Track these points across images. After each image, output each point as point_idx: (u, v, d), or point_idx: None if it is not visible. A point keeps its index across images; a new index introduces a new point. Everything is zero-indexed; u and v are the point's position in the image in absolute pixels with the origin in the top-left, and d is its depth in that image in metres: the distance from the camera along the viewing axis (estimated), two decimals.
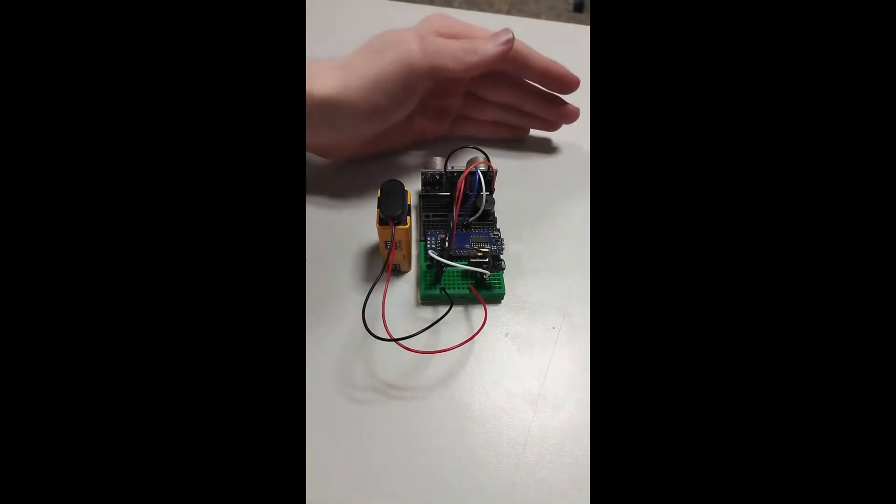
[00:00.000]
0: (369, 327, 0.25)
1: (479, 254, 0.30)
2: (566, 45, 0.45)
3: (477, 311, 0.30)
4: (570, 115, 0.36)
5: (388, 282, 0.28)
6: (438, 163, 0.33)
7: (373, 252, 0.32)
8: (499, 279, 0.30)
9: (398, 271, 0.31)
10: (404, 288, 0.31)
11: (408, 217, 0.28)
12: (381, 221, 0.27)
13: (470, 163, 0.31)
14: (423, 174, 0.33)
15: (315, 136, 0.31)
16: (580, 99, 0.36)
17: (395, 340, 0.25)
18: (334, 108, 0.29)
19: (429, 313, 0.30)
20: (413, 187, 0.34)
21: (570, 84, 0.34)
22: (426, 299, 0.30)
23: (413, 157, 0.37)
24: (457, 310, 0.30)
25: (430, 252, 0.29)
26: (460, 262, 0.29)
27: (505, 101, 0.36)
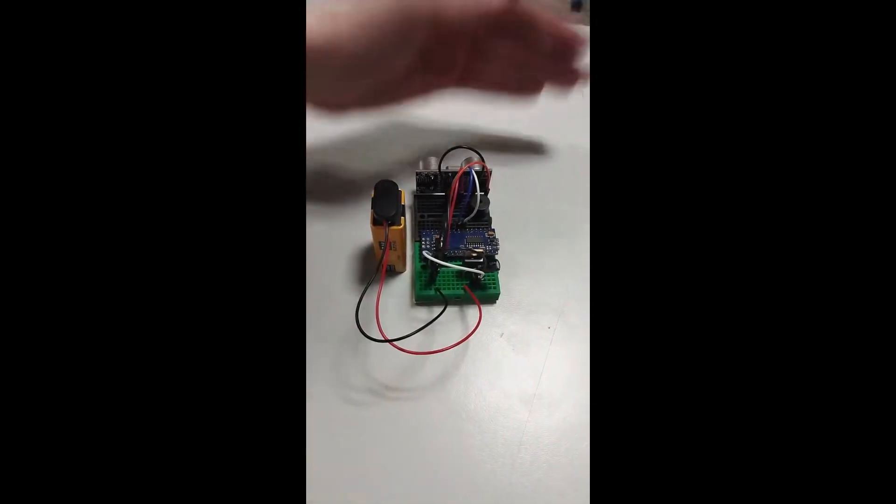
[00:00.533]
0: (363, 328, 0.25)
1: (474, 254, 0.30)
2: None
3: (472, 312, 0.30)
4: (579, 74, 0.35)
5: (382, 282, 0.28)
6: (433, 162, 0.33)
7: (367, 253, 0.32)
8: (494, 279, 0.30)
9: (393, 272, 0.31)
10: (399, 288, 0.31)
11: (402, 217, 0.28)
12: (375, 222, 0.27)
13: (464, 163, 0.31)
14: (417, 174, 0.33)
15: (309, 85, 0.27)
16: (579, 98, 0.36)
17: (390, 341, 0.25)
18: (323, 52, 0.26)
19: (424, 314, 0.30)
20: (407, 187, 0.34)
21: (576, 44, 0.33)
22: (421, 300, 0.30)
23: (408, 157, 0.37)
24: (452, 310, 0.30)
25: (424, 252, 0.29)
26: (455, 263, 0.29)
27: (512, 54, 0.34)
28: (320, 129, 0.38)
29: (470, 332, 0.29)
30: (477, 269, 0.29)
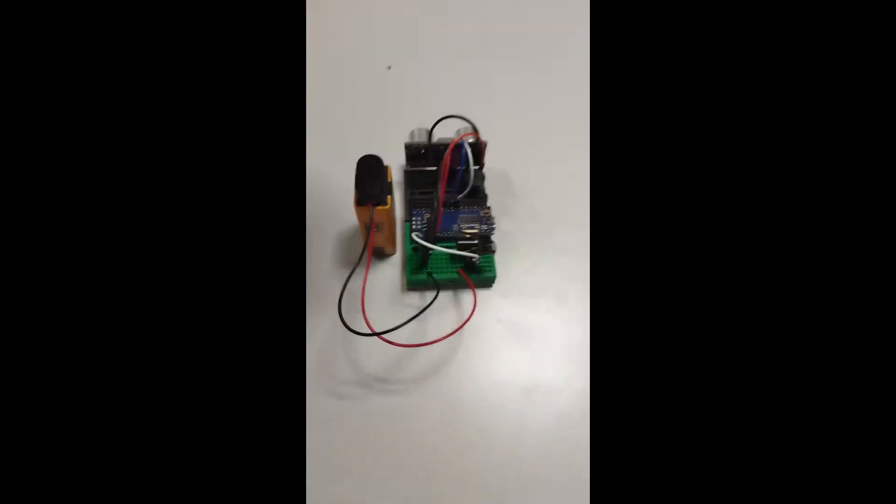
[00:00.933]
0: (348, 320, 0.23)
1: (468, 235, 0.27)
2: (561, 13, 0.42)
3: (467, 296, 0.28)
4: None
5: (367, 269, 0.26)
6: (424, 134, 0.30)
7: (353, 234, 0.30)
8: (490, 262, 0.28)
9: (382, 254, 0.29)
10: (389, 272, 0.29)
11: (389, 196, 0.25)
12: (359, 202, 0.25)
13: (457, 134, 0.29)
14: (406, 147, 0.30)
15: None
16: (579, 78, 0.33)
17: (378, 335, 0.23)
18: None
19: (416, 299, 0.28)
20: (397, 161, 0.32)
21: None
22: (413, 285, 0.28)
23: (395, 128, 0.34)
24: (445, 295, 0.28)
25: (413, 235, 0.26)
26: (447, 246, 0.27)
27: None
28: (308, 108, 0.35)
29: (465, 319, 0.27)
30: (471, 252, 0.27)
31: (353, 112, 0.36)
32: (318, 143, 0.34)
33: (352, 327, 0.23)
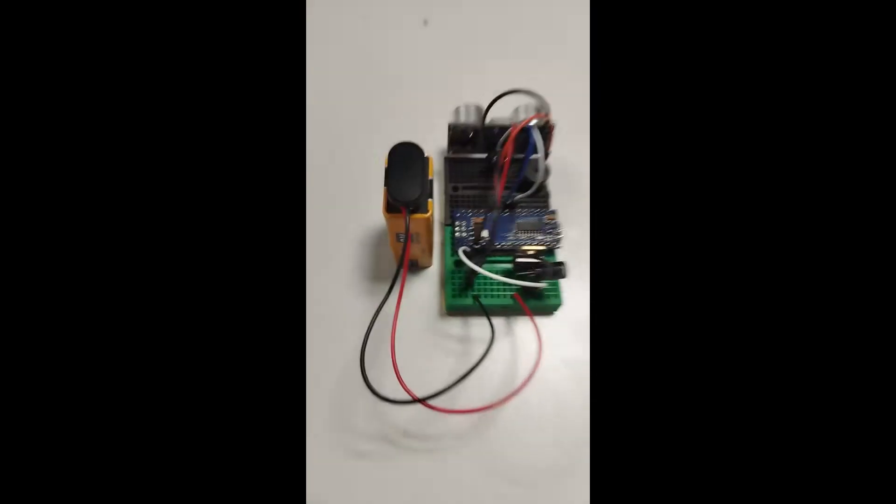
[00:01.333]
0: (372, 379, 0.17)
1: (530, 252, 0.21)
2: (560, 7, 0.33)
3: (521, 321, 0.22)
4: None
5: (399, 302, 0.19)
6: (473, 112, 0.23)
7: (380, 242, 0.24)
8: (555, 286, 0.22)
9: (415, 267, 0.23)
10: (423, 290, 0.23)
11: (429, 200, 0.19)
12: (390, 208, 0.18)
13: (515, 114, 0.22)
14: (451, 128, 0.23)
15: None
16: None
17: (421, 401, 0.17)
18: None
19: (457, 328, 0.22)
20: (436, 145, 0.25)
21: None
22: (454, 310, 0.22)
23: (436, 106, 0.27)
24: (495, 320, 0.22)
25: (461, 253, 0.20)
26: (500, 263, 0.20)
27: None
28: (321, 74, 0.29)
29: (521, 354, 0.21)
30: (533, 274, 0.20)
31: (390, 91, 0.29)
32: (341, 126, 0.27)
33: (380, 392, 0.17)
